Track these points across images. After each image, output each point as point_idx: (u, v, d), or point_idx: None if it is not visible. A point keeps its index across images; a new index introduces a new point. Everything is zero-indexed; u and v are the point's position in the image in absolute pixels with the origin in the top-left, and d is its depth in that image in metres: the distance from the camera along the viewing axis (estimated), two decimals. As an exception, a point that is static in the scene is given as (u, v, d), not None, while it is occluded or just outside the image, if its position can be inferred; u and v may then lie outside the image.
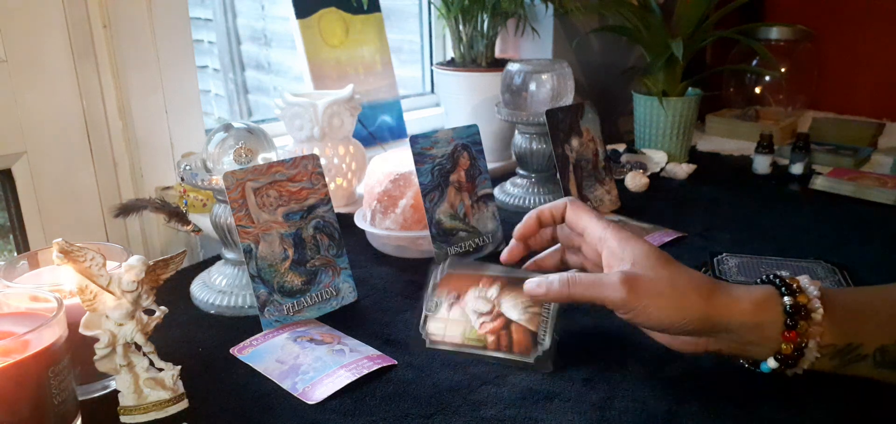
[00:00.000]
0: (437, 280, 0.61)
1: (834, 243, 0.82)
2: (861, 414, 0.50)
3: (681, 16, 1.15)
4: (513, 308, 0.57)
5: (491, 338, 0.57)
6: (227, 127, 0.67)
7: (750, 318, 0.48)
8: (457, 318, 0.59)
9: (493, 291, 0.59)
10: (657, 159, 1.15)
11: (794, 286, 0.49)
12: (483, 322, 0.57)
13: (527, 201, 0.96)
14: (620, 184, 1.04)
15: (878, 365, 0.49)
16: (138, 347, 0.50)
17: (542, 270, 0.60)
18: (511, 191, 0.98)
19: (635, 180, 1.04)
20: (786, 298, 0.48)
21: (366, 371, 0.55)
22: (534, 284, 0.53)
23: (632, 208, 0.95)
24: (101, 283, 0.48)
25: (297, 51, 1.03)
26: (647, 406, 0.51)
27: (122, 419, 0.50)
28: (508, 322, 0.57)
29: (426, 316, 0.60)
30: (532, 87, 0.94)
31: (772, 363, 0.50)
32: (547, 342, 0.55)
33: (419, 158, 0.74)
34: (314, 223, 0.66)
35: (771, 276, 0.51)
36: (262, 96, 2.05)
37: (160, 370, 0.51)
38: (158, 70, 0.82)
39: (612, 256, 0.51)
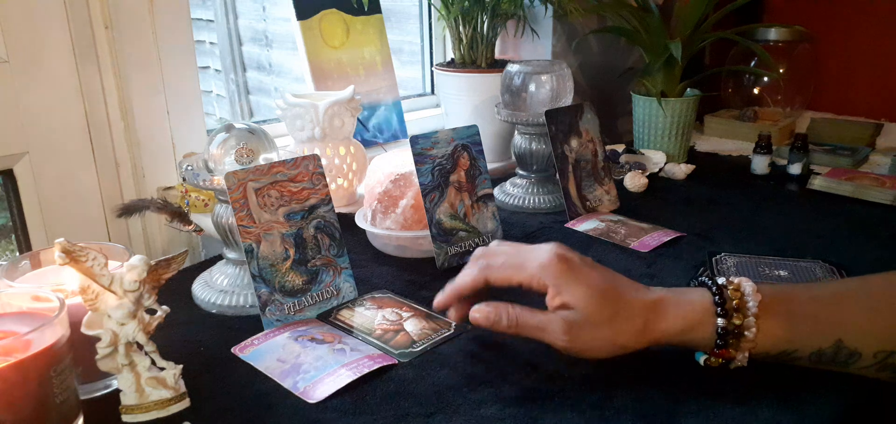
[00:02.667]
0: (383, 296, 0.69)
1: (832, 243, 0.82)
2: (860, 413, 0.51)
3: (679, 17, 1.16)
4: (412, 325, 0.63)
5: (379, 331, 0.62)
6: (229, 127, 0.67)
7: (684, 335, 0.52)
8: (367, 315, 0.65)
9: (406, 313, 0.65)
10: (656, 159, 1.16)
11: (733, 302, 0.50)
12: (381, 324, 0.63)
13: (526, 201, 0.96)
14: (619, 184, 1.04)
15: (814, 364, 0.51)
16: (140, 346, 0.51)
17: (460, 297, 0.58)
18: (511, 191, 0.99)
19: (634, 181, 1.04)
20: (719, 320, 0.50)
21: (366, 370, 0.55)
22: (482, 311, 0.54)
23: (631, 208, 0.95)
24: (102, 283, 0.49)
25: (297, 52, 1.03)
26: (647, 405, 0.51)
27: (124, 418, 0.50)
28: (401, 330, 0.62)
29: (349, 305, 0.67)
30: (532, 87, 0.95)
31: (702, 360, 0.54)
32: (418, 348, 0.59)
33: (419, 158, 0.75)
34: (315, 223, 0.66)
35: (709, 283, 0.52)
36: (263, 97, 2.05)
37: (162, 369, 0.51)
38: (160, 71, 0.82)
39: (556, 292, 0.52)
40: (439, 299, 0.59)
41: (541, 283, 0.52)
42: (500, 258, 0.55)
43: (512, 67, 0.97)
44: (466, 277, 0.56)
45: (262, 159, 0.67)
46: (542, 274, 0.52)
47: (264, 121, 1.08)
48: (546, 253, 0.53)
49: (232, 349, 0.59)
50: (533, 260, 0.53)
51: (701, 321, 0.51)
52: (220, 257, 0.72)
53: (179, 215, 0.72)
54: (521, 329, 0.53)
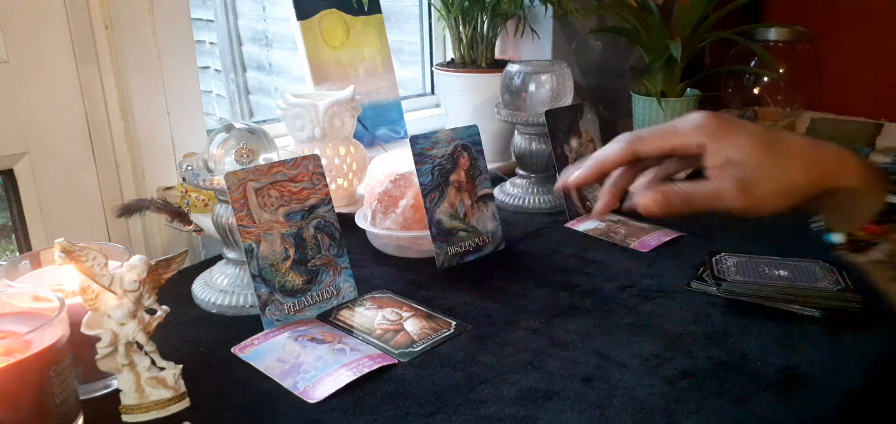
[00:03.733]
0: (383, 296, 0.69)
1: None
2: (860, 413, 0.51)
3: (679, 17, 1.15)
4: (412, 324, 0.63)
5: (379, 331, 0.62)
6: (229, 127, 0.68)
7: (852, 181, 0.47)
8: (368, 315, 0.65)
9: (406, 313, 0.65)
10: (656, 159, 1.16)
11: None
12: (381, 324, 0.64)
13: (526, 201, 0.96)
14: (620, 184, 1.04)
15: None
16: (140, 346, 0.51)
17: (602, 173, 0.53)
18: (511, 191, 0.99)
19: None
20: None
21: (366, 370, 0.55)
22: (652, 198, 0.49)
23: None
24: (102, 283, 0.49)
25: (297, 52, 1.03)
26: (647, 405, 0.51)
27: (124, 418, 0.50)
28: (401, 329, 0.62)
29: (349, 305, 0.67)
30: (531, 87, 0.95)
31: (839, 238, 0.50)
32: (418, 348, 0.59)
33: (419, 158, 0.75)
34: (315, 223, 0.66)
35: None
36: (263, 97, 2.05)
37: (162, 369, 0.51)
38: (160, 71, 0.82)
39: (717, 148, 0.47)
40: (576, 176, 0.52)
41: (699, 142, 0.48)
42: (646, 130, 0.50)
43: (512, 67, 0.97)
44: (612, 150, 0.50)
45: (262, 159, 0.67)
46: (699, 134, 0.48)
47: (264, 121, 1.08)
48: (698, 116, 0.49)
49: (232, 349, 0.59)
50: (685, 123, 0.49)
51: (872, 181, 0.47)
52: (220, 257, 0.72)
53: (179, 215, 0.72)
54: (694, 204, 0.49)
